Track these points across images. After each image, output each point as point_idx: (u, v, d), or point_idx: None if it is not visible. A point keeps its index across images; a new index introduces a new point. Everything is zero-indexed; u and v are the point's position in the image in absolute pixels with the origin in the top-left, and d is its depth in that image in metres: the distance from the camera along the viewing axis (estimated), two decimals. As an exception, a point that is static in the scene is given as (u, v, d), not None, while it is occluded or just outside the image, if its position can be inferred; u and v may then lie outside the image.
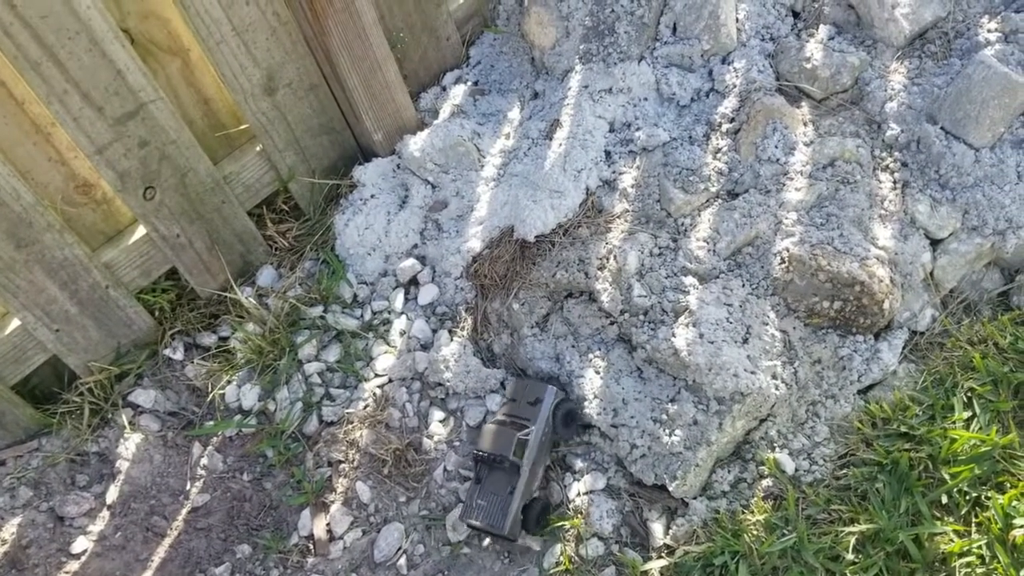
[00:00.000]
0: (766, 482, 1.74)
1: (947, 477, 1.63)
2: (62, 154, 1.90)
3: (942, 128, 1.83)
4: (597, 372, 1.85)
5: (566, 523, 1.80)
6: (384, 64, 2.13)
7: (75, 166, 1.93)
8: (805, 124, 1.92)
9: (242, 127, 2.12)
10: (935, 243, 1.85)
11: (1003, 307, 1.90)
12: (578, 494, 1.84)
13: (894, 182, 1.87)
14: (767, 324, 1.77)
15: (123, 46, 1.78)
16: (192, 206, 2.04)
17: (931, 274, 1.84)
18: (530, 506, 1.78)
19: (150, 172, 1.93)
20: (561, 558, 1.76)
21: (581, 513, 1.80)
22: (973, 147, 1.81)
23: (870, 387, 1.81)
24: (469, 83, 2.37)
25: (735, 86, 1.97)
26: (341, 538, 1.90)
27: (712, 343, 1.71)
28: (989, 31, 1.89)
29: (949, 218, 1.82)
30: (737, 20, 2.03)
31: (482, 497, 1.77)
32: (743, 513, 1.72)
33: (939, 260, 1.83)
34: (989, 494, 1.61)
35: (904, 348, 1.83)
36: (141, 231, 2.03)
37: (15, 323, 1.92)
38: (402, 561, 1.86)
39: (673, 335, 1.74)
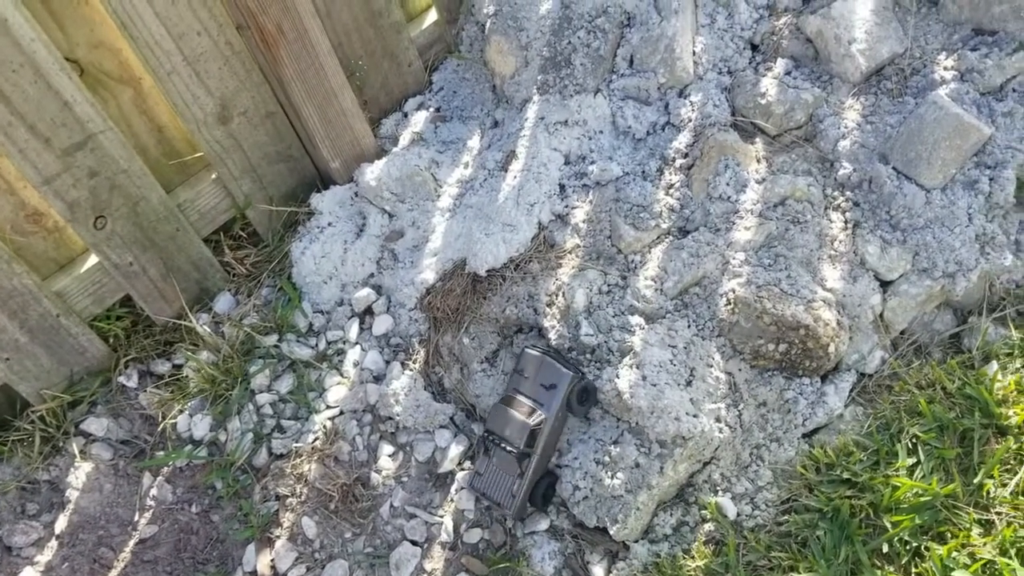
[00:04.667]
0: (708, 526, 1.73)
1: (888, 525, 1.61)
2: (11, 184, 1.89)
3: (894, 168, 1.81)
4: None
5: (508, 564, 1.78)
6: (340, 92, 2.12)
7: (24, 195, 1.92)
8: (759, 161, 1.90)
9: (197, 155, 2.11)
10: (885, 284, 1.83)
11: (954, 349, 1.88)
12: (521, 534, 1.82)
13: (845, 222, 1.85)
14: (712, 366, 1.75)
15: (70, 78, 1.77)
16: (145, 234, 2.03)
17: (881, 316, 1.82)
18: (538, 484, 1.77)
19: (100, 202, 1.92)
20: (502, 600, 1.75)
21: (523, 555, 1.79)
22: (924, 188, 1.79)
23: (816, 430, 1.79)
24: (431, 109, 2.35)
25: (690, 120, 1.95)
26: (285, 574, 1.89)
27: (655, 385, 1.69)
28: (945, 69, 1.87)
29: (899, 260, 1.80)
30: (695, 53, 2.00)
31: (490, 470, 1.77)
32: (684, 558, 1.70)
33: (889, 302, 1.81)
34: (929, 544, 1.58)
35: (852, 391, 1.81)
36: (93, 259, 2.02)
37: (-36, 352, 1.92)
38: (345, 599, 1.84)
39: (617, 376, 1.72)
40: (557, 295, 1.87)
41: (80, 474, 2.04)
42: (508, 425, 1.75)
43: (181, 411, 2.10)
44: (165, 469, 2.06)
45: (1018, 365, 1.76)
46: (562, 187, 2.01)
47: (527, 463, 1.75)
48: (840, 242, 1.82)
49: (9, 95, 1.70)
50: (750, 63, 2.02)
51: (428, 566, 1.85)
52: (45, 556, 1.96)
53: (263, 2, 1.89)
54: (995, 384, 1.72)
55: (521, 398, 1.78)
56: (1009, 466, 1.66)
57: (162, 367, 2.17)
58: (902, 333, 1.86)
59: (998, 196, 1.76)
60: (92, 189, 1.90)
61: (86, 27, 1.85)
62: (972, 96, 1.81)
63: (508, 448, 1.75)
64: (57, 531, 1.98)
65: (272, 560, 1.90)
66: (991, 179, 1.77)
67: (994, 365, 1.76)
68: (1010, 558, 1.55)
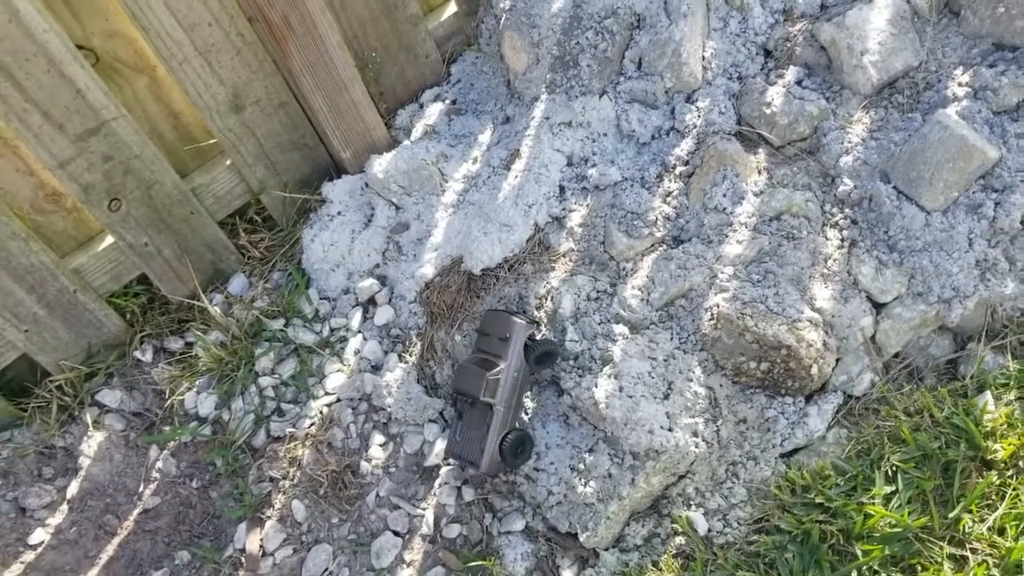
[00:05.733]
0: (679, 539, 1.73)
1: (859, 553, 1.59)
2: (30, 165, 1.97)
3: (895, 187, 1.75)
4: (526, 413, 1.85)
5: (481, 562, 1.81)
6: (350, 85, 2.14)
7: (43, 177, 2.00)
8: (760, 172, 1.86)
9: (212, 140, 2.16)
10: (879, 307, 1.78)
11: (949, 376, 1.82)
12: (497, 533, 1.85)
13: (842, 240, 1.80)
14: (692, 380, 1.73)
15: (82, 66, 1.83)
16: (159, 216, 2.10)
17: (873, 338, 1.78)
18: (505, 440, 1.79)
19: (115, 185, 1.99)
20: (473, 597, 1.78)
21: (497, 554, 1.81)
22: (924, 209, 1.73)
23: (796, 451, 1.77)
24: (447, 102, 2.36)
25: (695, 127, 1.92)
26: (272, 554, 1.95)
27: (631, 397, 1.69)
28: (960, 85, 1.79)
29: (894, 282, 1.75)
30: (704, 58, 1.97)
31: (462, 432, 1.82)
32: (652, 570, 1.71)
33: (882, 324, 1.77)
34: (897, 576, 1.56)
35: (838, 412, 1.77)
36: (110, 239, 2.10)
37: (-15, 323, 2.02)
38: (327, 582, 1.90)
39: (595, 385, 1.72)
40: (546, 299, 1.87)
41: (93, 443, 2.13)
42: (468, 379, 1.79)
43: (189, 388, 2.17)
44: (171, 443, 2.15)
45: (1012, 397, 1.71)
46: (562, 189, 2.00)
47: (491, 415, 1.77)
48: (834, 260, 1.78)
49: (23, 83, 1.77)
50: (762, 70, 1.98)
51: (407, 557, 1.90)
52: (56, 519, 2.06)
53: (270, -4, 1.92)
54: (984, 415, 1.67)
55: (482, 355, 1.82)
56: (990, 501, 1.62)
57: (175, 344, 2.25)
58: (896, 356, 1.82)
59: (1003, 221, 1.70)
60: (106, 173, 1.96)
61: (101, 17, 1.91)
62: (984, 115, 1.74)
63: (470, 400, 1.78)
64: (68, 496, 2.08)
65: (261, 540, 1.97)
66: (996, 203, 1.70)
67: (987, 395, 1.71)
68: (980, 596, 1.52)
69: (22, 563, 1.99)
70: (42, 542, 2.02)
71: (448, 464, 1.95)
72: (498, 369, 1.77)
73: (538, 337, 1.83)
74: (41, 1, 1.75)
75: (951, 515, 1.60)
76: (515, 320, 1.79)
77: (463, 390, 1.80)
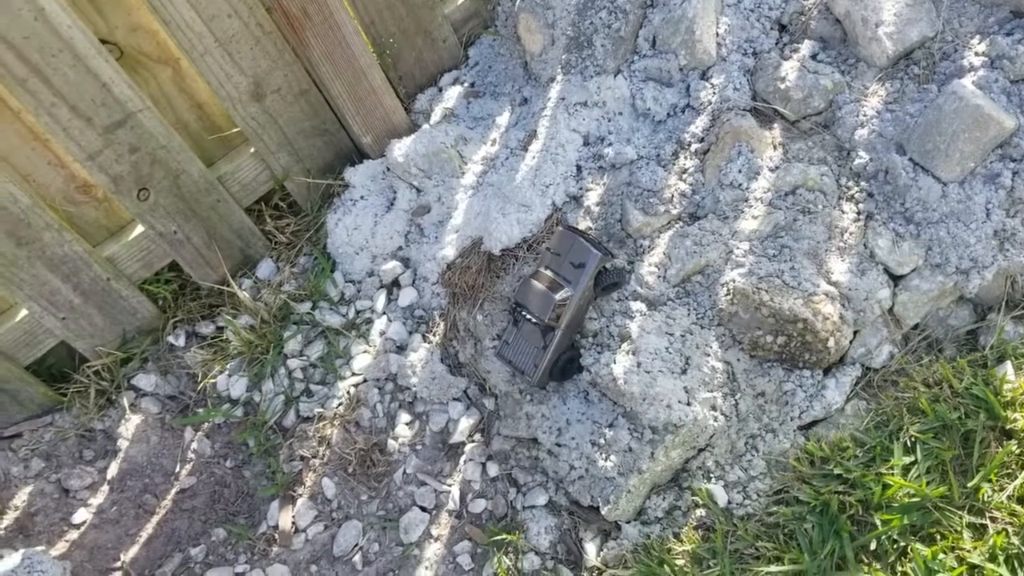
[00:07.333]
0: (699, 512, 1.75)
1: (878, 523, 1.61)
2: (60, 158, 2.03)
3: (910, 159, 1.75)
4: (547, 390, 1.89)
5: (506, 536, 1.85)
6: (369, 71, 2.18)
7: (74, 169, 2.06)
8: (775, 147, 1.86)
9: (235, 130, 2.21)
10: (896, 279, 1.78)
11: (969, 346, 1.83)
12: (521, 508, 1.89)
13: (858, 213, 1.80)
14: (709, 355, 1.75)
15: (107, 61, 1.88)
16: (187, 205, 2.15)
17: (891, 310, 1.78)
18: (559, 359, 1.84)
19: (143, 175, 2.04)
20: (498, 570, 1.82)
21: (521, 528, 1.86)
22: (941, 181, 1.73)
23: (815, 423, 1.78)
24: (465, 85, 2.38)
25: (709, 103, 1.93)
26: (304, 531, 2.01)
27: (648, 372, 1.72)
28: (976, 54, 1.78)
29: (911, 254, 1.75)
30: (718, 34, 1.97)
31: (517, 341, 1.86)
32: (673, 542, 1.74)
33: (900, 296, 1.77)
34: (915, 546, 1.58)
35: (857, 385, 1.78)
36: (140, 228, 2.15)
37: (24, 312, 2.09)
38: (357, 557, 1.96)
39: (614, 361, 1.75)
40: (565, 277, 1.90)
41: (130, 426, 2.20)
42: (536, 299, 1.81)
43: (221, 371, 2.23)
44: (205, 425, 2.21)
45: (1032, 366, 1.71)
46: (579, 168, 2.02)
47: (551, 336, 1.81)
48: (851, 234, 1.78)
49: (51, 78, 1.82)
50: (776, 44, 1.97)
51: (435, 531, 1.94)
52: (97, 499, 2.14)
53: (287, -14, 1.95)
54: (1004, 385, 1.67)
55: (550, 274, 1.83)
56: (1009, 471, 1.62)
57: (206, 328, 2.31)
58: (915, 328, 1.82)
59: (1021, 191, 1.69)
60: (134, 164, 2.02)
61: (123, 11, 1.95)
62: (1001, 84, 1.73)
63: (534, 320, 1.81)
64: (108, 477, 2.16)
65: (293, 517, 2.03)
66: (1014, 173, 1.70)
67: (1007, 365, 1.71)
68: (998, 564, 1.53)
69: (67, 541, 2.07)
70: (85, 521, 2.09)
71: (472, 441, 1.99)
72: (567, 295, 1.79)
73: (609, 267, 1.85)
74: (66, -2, 1.80)
75: (970, 484, 1.61)
76: (593, 250, 1.79)
77: (527, 308, 1.83)
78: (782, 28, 1.99)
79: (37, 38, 1.77)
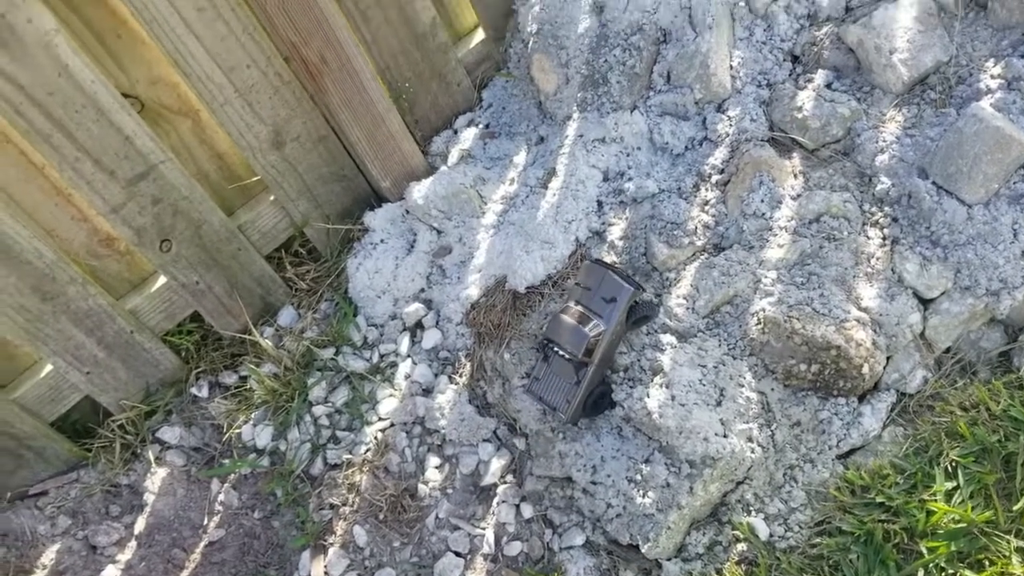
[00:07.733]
0: (741, 546, 1.73)
1: (924, 551, 1.59)
2: (83, 212, 2.04)
3: (933, 183, 1.76)
4: (579, 427, 1.87)
5: (544, 578, 1.83)
6: (386, 116, 2.19)
7: (97, 222, 2.07)
8: (795, 176, 1.87)
9: (255, 178, 2.22)
10: (926, 303, 1.78)
11: (1003, 368, 1.82)
12: (558, 549, 1.86)
13: (883, 238, 1.81)
14: (743, 386, 1.75)
15: (129, 114, 1.89)
16: (209, 255, 2.16)
17: (922, 334, 1.78)
18: (591, 395, 1.83)
19: (165, 227, 2.05)
20: (538, 612, 1.80)
21: (559, 570, 1.83)
22: (965, 203, 1.74)
23: (852, 451, 1.77)
24: (480, 127, 2.40)
25: (727, 135, 1.94)
26: (337, 580, 1.99)
27: (683, 406, 1.71)
28: (992, 77, 1.80)
29: (940, 277, 1.75)
30: (732, 67, 1.99)
31: (548, 377, 1.84)
32: (715, 577, 1.72)
33: (930, 320, 1.77)
34: (964, 573, 1.55)
35: (892, 411, 1.77)
36: (163, 279, 2.16)
37: (49, 367, 2.08)
38: (392, 606, 1.93)
39: (647, 395, 1.74)
40: (592, 313, 1.89)
41: (156, 479, 2.19)
42: (568, 334, 1.79)
43: (246, 421, 2.22)
44: (231, 476, 2.19)
45: (1068, 386, 1.70)
46: (600, 204, 2.03)
47: (584, 372, 1.79)
48: (877, 259, 1.78)
49: (74, 132, 1.83)
50: (790, 75, 1.99)
51: (470, 576, 1.92)
52: (125, 555, 2.11)
53: (305, 35, 1.98)
54: (1042, 406, 1.67)
55: (581, 308, 1.82)
56: (1054, 492, 1.61)
57: (229, 379, 2.30)
58: (947, 351, 1.81)
59: (1047, 210, 1.70)
60: (156, 215, 2.03)
61: (144, 65, 1.98)
62: (1020, 105, 1.74)
63: (567, 356, 1.80)
64: (136, 532, 2.14)
65: (325, 567, 2.00)
66: (1040, 192, 1.71)
67: (1043, 385, 1.70)
68: (1050, 588, 1.51)
69: (95, 600, 2.05)
70: (113, 578, 2.07)
71: (504, 482, 1.97)
72: (600, 331, 1.78)
73: (639, 300, 1.84)
74: (88, 55, 1.82)
75: (1016, 508, 1.59)
76: (624, 284, 1.78)
77: (558, 343, 1.81)
78: (795, 59, 2.01)
79: (61, 94, 1.79)
